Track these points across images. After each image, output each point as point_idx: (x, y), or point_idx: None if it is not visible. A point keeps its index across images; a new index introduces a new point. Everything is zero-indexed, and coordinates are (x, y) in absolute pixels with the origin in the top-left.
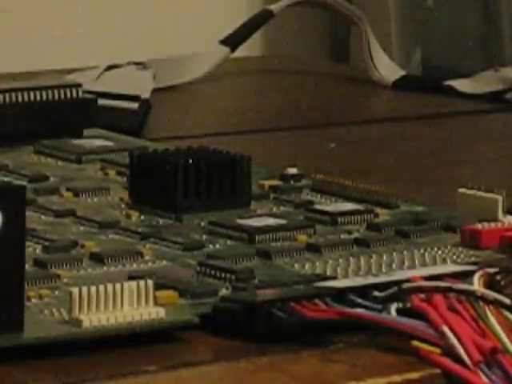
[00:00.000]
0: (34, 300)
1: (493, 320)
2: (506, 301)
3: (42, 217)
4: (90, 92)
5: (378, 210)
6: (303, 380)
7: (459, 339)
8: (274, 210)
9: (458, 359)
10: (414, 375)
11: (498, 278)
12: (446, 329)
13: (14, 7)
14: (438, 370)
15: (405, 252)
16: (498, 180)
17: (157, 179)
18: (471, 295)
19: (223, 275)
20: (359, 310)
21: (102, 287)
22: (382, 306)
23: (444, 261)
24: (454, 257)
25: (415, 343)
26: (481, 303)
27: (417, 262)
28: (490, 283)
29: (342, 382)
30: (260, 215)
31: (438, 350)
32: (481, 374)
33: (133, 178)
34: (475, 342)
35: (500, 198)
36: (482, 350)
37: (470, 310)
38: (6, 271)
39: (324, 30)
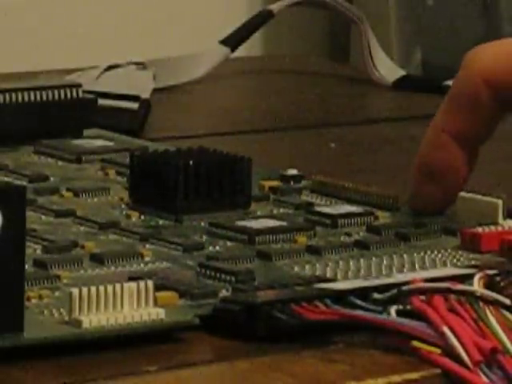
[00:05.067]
0: (33, 300)
1: (493, 320)
2: (506, 301)
3: (42, 217)
4: (90, 92)
5: (378, 212)
6: (303, 380)
7: (459, 339)
8: (274, 211)
9: (458, 359)
10: (414, 375)
11: (498, 279)
12: (446, 329)
13: (14, 7)
14: (438, 370)
15: (405, 255)
16: (498, 181)
17: (157, 180)
18: (471, 296)
19: (223, 276)
20: (359, 312)
21: (102, 288)
22: (382, 308)
23: (444, 264)
24: (454, 260)
25: (415, 343)
26: (481, 304)
27: (417, 265)
28: (489, 285)
29: (341, 382)
30: (260, 217)
31: (438, 351)
32: (481, 374)
33: (133, 179)
34: (475, 342)
35: (500, 202)
36: (482, 351)
37: (470, 310)
38: (5, 271)
39: (324, 29)
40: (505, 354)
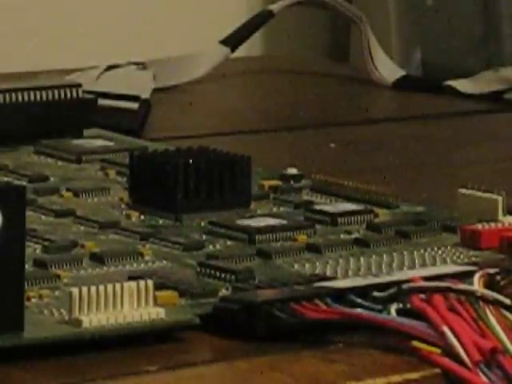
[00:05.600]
0: (33, 300)
1: (493, 320)
2: (506, 301)
3: (42, 217)
4: (90, 92)
5: (378, 210)
6: (303, 380)
7: (459, 339)
8: (274, 210)
9: (457, 359)
10: (414, 375)
11: (498, 278)
12: (445, 329)
13: (14, 7)
14: (438, 370)
15: (405, 252)
16: (498, 180)
17: (157, 179)
18: (471, 295)
19: (223, 275)
20: (359, 311)
21: (101, 287)
22: (382, 307)
23: (444, 261)
24: (454, 257)
25: (415, 343)
26: (481, 303)
27: (417, 262)
28: (489, 283)
29: (342, 382)
30: (260, 215)
31: (437, 350)
32: (480, 374)
33: (133, 178)
34: (475, 342)
35: (500, 199)
36: (481, 350)
37: (470, 310)
38: (6, 271)
39: (324, 29)
40: (505, 353)
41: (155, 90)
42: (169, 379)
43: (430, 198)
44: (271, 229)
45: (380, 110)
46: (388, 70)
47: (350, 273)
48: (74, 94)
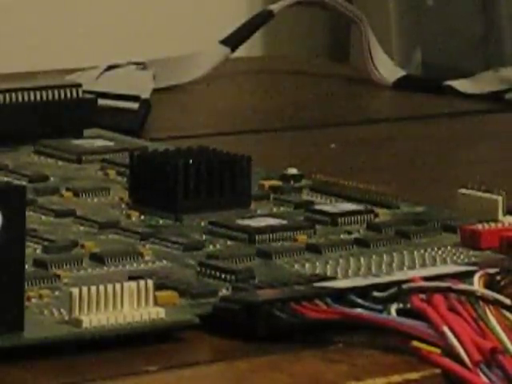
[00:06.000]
0: (34, 300)
1: (493, 320)
2: (506, 301)
3: (42, 217)
4: (90, 92)
5: (378, 210)
6: (303, 380)
7: (459, 339)
8: (274, 210)
9: (457, 359)
10: (414, 375)
11: (498, 278)
12: (445, 329)
13: (14, 7)
14: (438, 370)
15: (405, 252)
16: (498, 180)
17: (157, 179)
18: (471, 295)
19: (223, 275)
20: (359, 311)
21: (102, 287)
22: (382, 307)
23: (444, 261)
24: (454, 257)
25: (415, 343)
26: (481, 303)
27: (417, 262)
28: (490, 283)
29: (342, 382)
30: (260, 215)
31: (438, 350)
32: (481, 374)
33: (133, 178)
34: (475, 342)
35: (500, 199)
36: (481, 350)
37: (470, 310)
38: (6, 271)
39: (324, 29)
40: (505, 353)
41: (155, 90)
42: (169, 379)
43: (430, 198)
44: (271, 229)
45: (380, 110)
46: (388, 70)
47: (350, 273)
48: (74, 94)
